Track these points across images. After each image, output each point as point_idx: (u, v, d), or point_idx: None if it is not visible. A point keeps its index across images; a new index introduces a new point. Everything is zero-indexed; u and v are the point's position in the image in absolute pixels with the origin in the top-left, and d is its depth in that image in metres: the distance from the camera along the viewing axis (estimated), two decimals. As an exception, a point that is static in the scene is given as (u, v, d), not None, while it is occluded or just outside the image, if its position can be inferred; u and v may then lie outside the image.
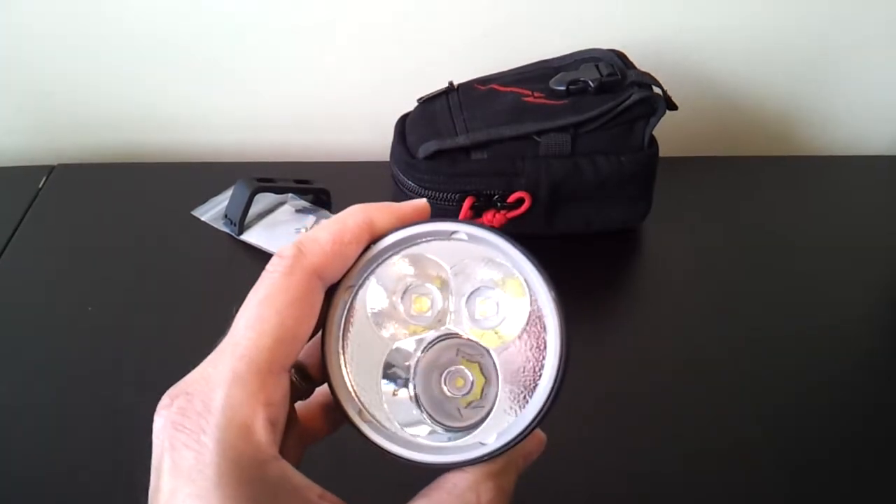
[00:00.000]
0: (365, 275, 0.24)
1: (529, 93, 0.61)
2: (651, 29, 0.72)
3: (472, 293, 0.24)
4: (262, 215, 0.66)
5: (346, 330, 0.24)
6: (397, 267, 0.24)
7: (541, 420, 0.22)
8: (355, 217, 0.23)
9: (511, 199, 0.59)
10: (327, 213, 0.67)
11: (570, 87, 0.60)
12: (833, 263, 0.63)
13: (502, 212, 0.59)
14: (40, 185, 0.70)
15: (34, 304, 0.58)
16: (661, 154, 0.61)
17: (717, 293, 0.59)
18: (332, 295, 0.24)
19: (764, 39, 0.73)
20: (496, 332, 0.24)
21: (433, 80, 0.65)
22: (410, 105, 0.66)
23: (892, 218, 0.68)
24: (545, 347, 0.23)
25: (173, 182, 0.72)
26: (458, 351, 0.24)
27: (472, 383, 0.24)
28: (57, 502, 0.44)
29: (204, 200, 0.68)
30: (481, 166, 0.59)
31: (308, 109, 0.77)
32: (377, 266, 0.24)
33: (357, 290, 0.24)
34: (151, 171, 0.75)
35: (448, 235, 0.24)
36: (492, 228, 0.24)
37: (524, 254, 0.23)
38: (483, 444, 0.23)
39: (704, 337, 0.55)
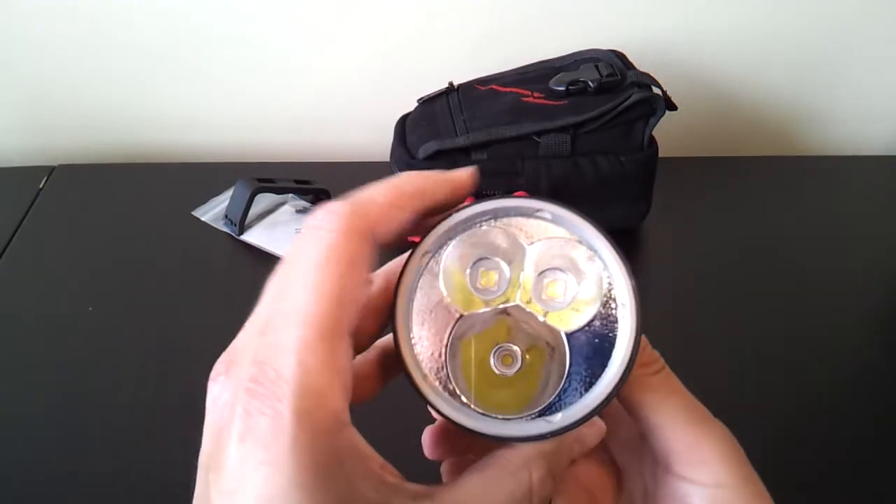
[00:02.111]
0: (442, 242, 0.24)
1: (529, 93, 0.61)
2: (651, 29, 0.72)
3: (545, 272, 0.24)
4: (262, 216, 0.66)
5: (417, 296, 0.23)
6: (475, 238, 0.24)
7: (607, 403, 0.22)
8: (411, 183, 0.23)
9: (511, 199, 0.59)
10: (327, 213, 0.67)
11: (570, 87, 0.60)
12: (833, 263, 0.63)
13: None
14: (41, 186, 0.71)
15: (35, 304, 0.58)
16: (661, 154, 0.61)
17: (716, 292, 0.59)
18: (407, 261, 0.23)
19: (764, 40, 0.73)
20: (565, 314, 0.23)
21: (433, 81, 0.65)
22: (410, 105, 0.66)
23: (891, 218, 0.68)
24: (615, 333, 0.23)
25: (173, 182, 0.72)
26: (518, 329, 0.24)
27: (522, 361, 0.24)
28: (57, 501, 0.44)
29: (204, 201, 0.68)
30: (481, 166, 0.58)
31: (308, 110, 0.77)
32: (456, 235, 0.24)
33: (432, 258, 0.24)
34: (151, 171, 0.75)
35: (532, 213, 0.24)
36: (578, 210, 0.23)
37: (608, 239, 0.23)
38: (549, 421, 0.22)
39: (704, 336, 0.55)
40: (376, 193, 0.22)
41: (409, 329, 0.23)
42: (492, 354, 0.24)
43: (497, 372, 0.24)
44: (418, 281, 0.23)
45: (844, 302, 0.59)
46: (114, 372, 0.52)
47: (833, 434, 0.48)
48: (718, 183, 0.72)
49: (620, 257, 0.23)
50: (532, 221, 0.24)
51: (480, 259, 0.24)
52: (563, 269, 0.24)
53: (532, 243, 0.24)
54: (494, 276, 0.24)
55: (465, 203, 0.24)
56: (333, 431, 0.19)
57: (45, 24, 0.70)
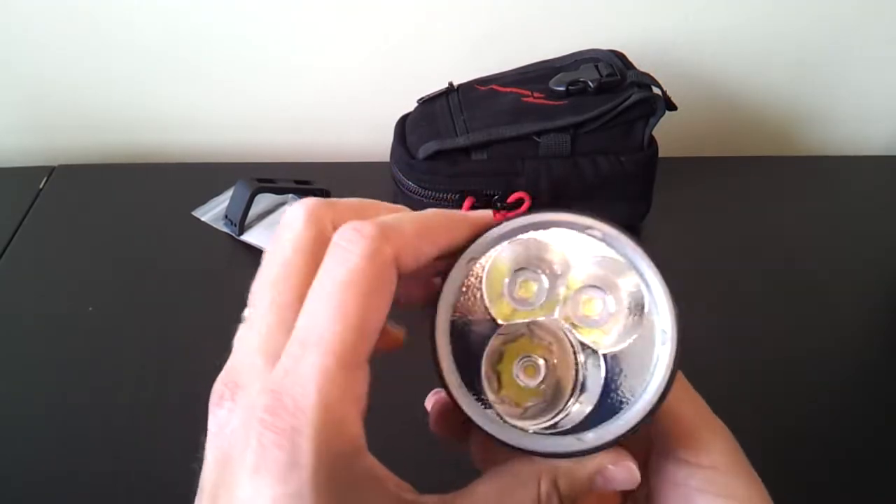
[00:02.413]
0: (488, 249, 0.23)
1: (529, 93, 0.61)
2: (651, 29, 0.72)
3: (585, 290, 0.23)
4: (262, 216, 0.66)
5: (458, 302, 0.23)
6: (520, 248, 0.23)
7: (634, 431, 0.21)
8: (437, 221, 0.22)
9: (511, 199, 0.59)
10: (327, 213, 0.67)
11: (570, 87, 0.60)
12: (833, 263, 0.63)
13: (502, 212, 0.59)
14: (41, 186, 0.71)
15: (35, 305, 0.58)
16: (660, 154, 0.61)
17: (716, 293, 0.59)
18: (452, 264, 0.23)
19: (763, 40, 0.73)
20: (600, 334, 0.23)
21: (433, 81, 0.65)
22: (410, 105, 0.66)
23: (891, 218, 0.68)
24: (651, 359, 0.22)
25: (173, 182, 0.72)
26: (548, 343, 0.24)
27: (545, 374, 0.24)
28: (57, 501, 0.44)
29: (204, 201, 0.68)
30: (481, 166, 0.59)
31: (308, 110, 0.77)
32: (502, 243, 0.23)
33: (476, 265, 0.23)
34: (151, 171, 0.75)
35: (582, 229, 0.23)
36: (628, 232, 0.22)
37: (654, 263, 0.22)
38: (580, 439, 0.22)
39: (703, 337, 0.55)
40: (404, 223, 0.21)
41: (447, 335, 0.23)
42: (515, 364, 0.24)
43: (520, 383, 0.24)
44: (461, 286, 0.23)
45: (844, 302, 0.59)
46: (114, 372, 0.52)
47: (833, 434, 0.48)
48: (718, 183, 0.72)
49: (665, 283, 0.22)
50: (581, 237, 0.23)
51: (522, 269, 0.24)
52: (605, 288, 0.23)
53: (577, 260, 0.23)
54: (534, 287, 0.24)
55: (506, 216, 0.23)
56: (351, 460, 0.19)
57: (45, 24, 0.70)
